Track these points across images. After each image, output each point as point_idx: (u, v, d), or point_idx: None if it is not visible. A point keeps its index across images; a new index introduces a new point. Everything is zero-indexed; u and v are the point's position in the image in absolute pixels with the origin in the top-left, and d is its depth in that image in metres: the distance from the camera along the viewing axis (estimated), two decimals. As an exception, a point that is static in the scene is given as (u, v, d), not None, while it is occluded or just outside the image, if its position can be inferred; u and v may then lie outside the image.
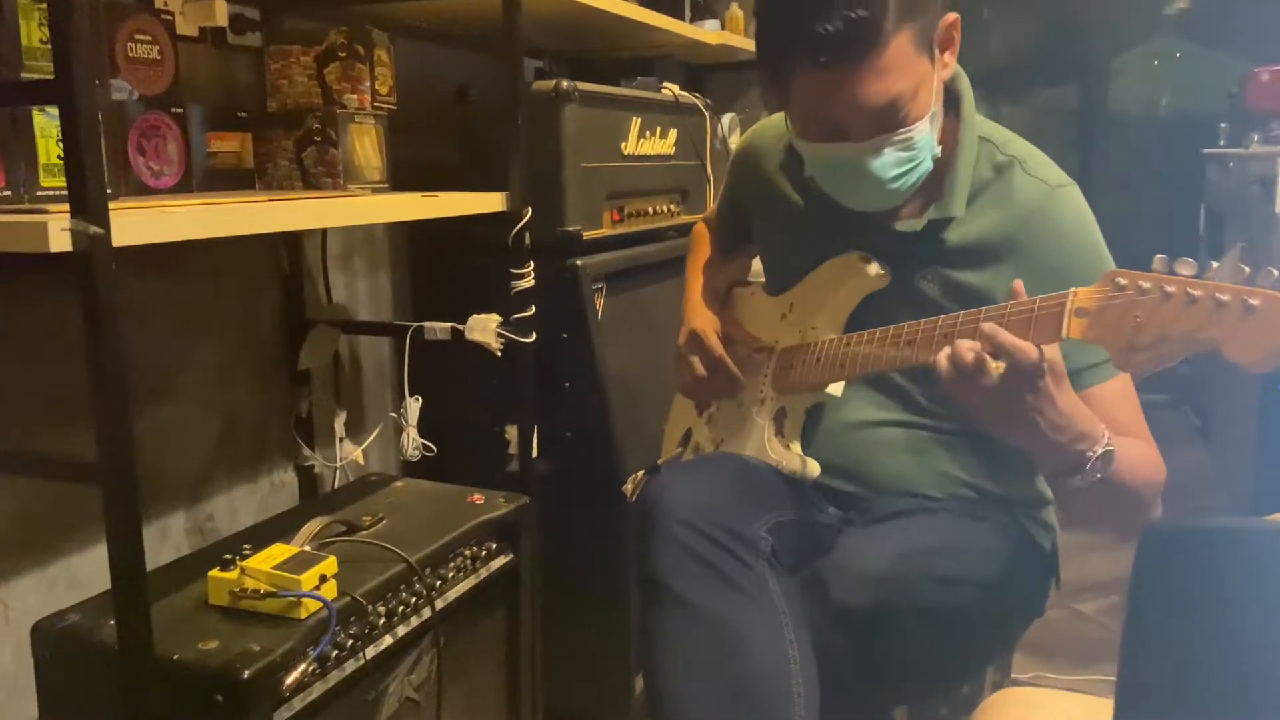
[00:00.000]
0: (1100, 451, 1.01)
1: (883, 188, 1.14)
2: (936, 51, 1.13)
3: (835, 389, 1.24)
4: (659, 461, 1.47)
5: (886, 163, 1.12)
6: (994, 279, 1.17)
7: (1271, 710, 0.54)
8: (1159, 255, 0.89)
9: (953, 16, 1.13)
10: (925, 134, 1.12)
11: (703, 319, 1.40)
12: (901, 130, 1.10)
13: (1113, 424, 1.07)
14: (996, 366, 0.97)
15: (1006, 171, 1.20)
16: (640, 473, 1.53)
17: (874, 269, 1.22)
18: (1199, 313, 0.86)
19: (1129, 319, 0.89)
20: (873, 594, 1.14)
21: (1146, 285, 0.88)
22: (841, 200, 1.20)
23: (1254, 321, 0.83)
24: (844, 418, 1.28)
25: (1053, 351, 0.98)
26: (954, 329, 1.04)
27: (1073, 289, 0.95)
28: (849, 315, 1.25)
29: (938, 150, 1.16)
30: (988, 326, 0.98)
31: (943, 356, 1.00)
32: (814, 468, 1.25)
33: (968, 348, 0.98)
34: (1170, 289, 0.87)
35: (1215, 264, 0.87)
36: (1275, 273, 0.84)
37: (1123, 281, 0.90)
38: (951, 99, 1.21)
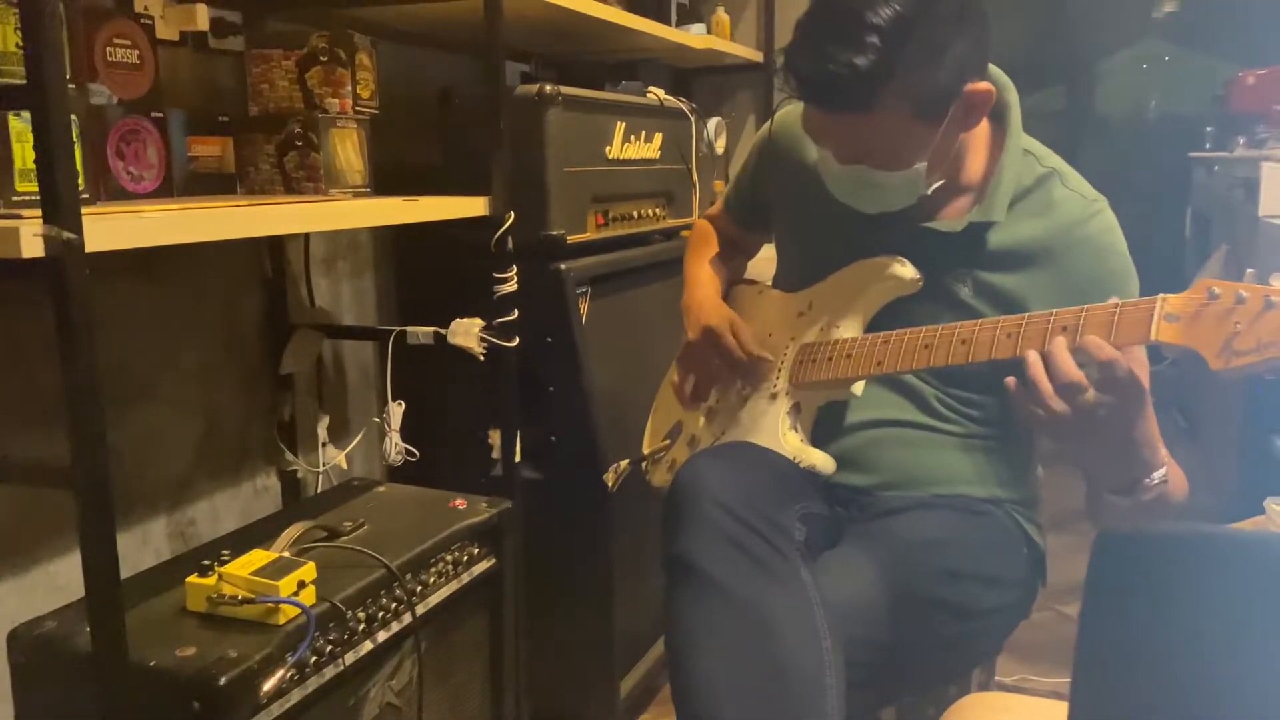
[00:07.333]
0: (1158, 479, 1.03)
1: (883, 194, 1.18)
2: (956, 116, 1.12)
3: (858, 387, 1.24)
4: (644, 451, 1.45)
5: (875, 179, 1.16)
6: (1028, 284, 1.19)
7: (1223, 718, 0.54)
8: (1249, 269, 0.93)
9: (983, 88, 1.12)
10: (906, 178, 1.15)
11: (718, 314, 1.37)
12: (881, 171, 1.15)
13: None
14: (1092, 395, 0.97)
15: (1046, 183, 1.23)
16: (624, 462, 1.51)
17: (910, 273, 1.22)
18: None
19: (1227, 325, 0.91)
20: (878, 587, 1.13)
21: (1246, 294, 0.91)
22: (849, 204, 1.22)
23: None
24: (852, 417, 1.28)
25: (1143, 373, 0.98)
26: (1019, 331, 1.05)
27: (1160, 295, 0.96)
28: (874, 315, 1.25)
29: (927, 189, 1.17)
30: (1092, 340, 0.97)
31: (1033, 355, 1.00)
32: (832, 463, 1.24)
33: (1062, 350, 0.98)
34: (1275, 299, 0.89)
35: None
36: None
37: (1217, 290, 0.92)
38: (998, 110, 1.23)
